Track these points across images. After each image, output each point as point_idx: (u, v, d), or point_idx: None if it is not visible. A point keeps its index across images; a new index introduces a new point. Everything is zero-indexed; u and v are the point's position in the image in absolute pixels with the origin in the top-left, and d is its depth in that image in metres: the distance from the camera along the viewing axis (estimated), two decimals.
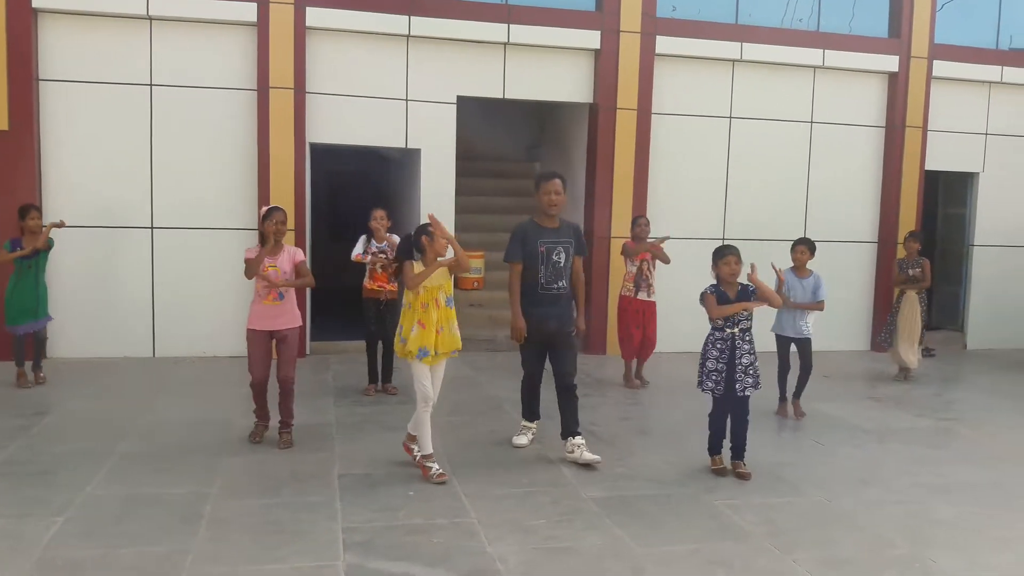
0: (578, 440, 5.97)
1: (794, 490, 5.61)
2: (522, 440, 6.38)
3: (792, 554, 4.54)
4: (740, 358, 5.76)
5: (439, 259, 5.50)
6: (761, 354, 5.97)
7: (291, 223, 9.30)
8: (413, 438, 5.78)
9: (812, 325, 7.55)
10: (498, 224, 12.16)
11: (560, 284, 6.04)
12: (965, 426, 7.56)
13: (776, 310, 7.48)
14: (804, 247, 7.61)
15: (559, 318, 6.04)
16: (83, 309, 9.01)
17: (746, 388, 5.78)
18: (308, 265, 9.16)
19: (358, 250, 7.87)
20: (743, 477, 5.76)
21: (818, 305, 7.52)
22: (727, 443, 5.94)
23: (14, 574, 4.06)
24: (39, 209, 7.83)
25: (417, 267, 5.48)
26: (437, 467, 5.57)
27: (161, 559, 4.24)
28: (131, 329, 9.32)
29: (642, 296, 8.55)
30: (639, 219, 8.79)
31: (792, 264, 7.62)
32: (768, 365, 6.18)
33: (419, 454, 5.65)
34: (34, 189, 8.84)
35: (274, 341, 6.16)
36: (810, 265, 7.64)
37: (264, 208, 6.20)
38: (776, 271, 6.96)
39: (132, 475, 5.47)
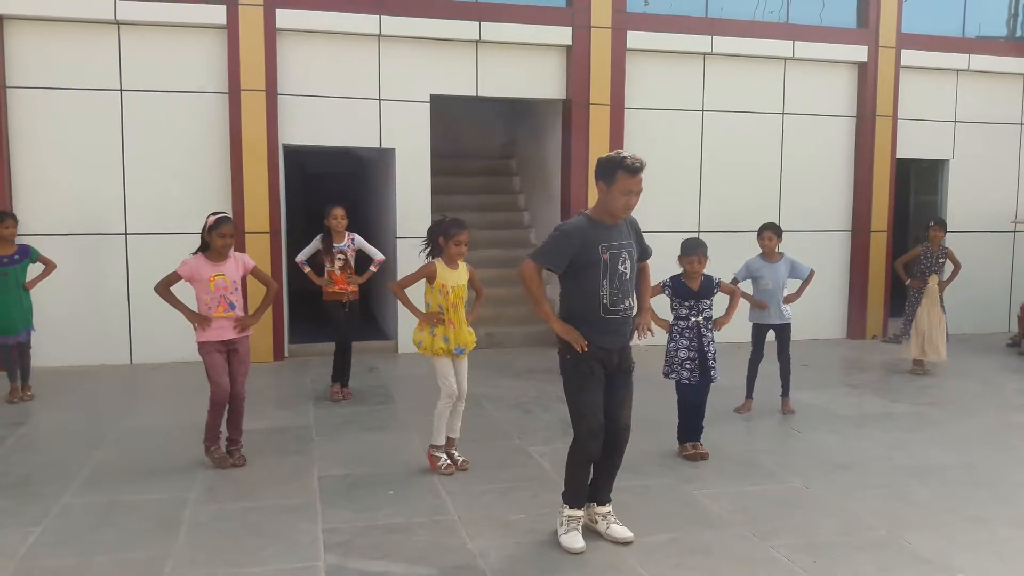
0: (606, 509, 4.66)
1: (771, 477, 5.67)
2: (579, 542, 4.44)
3: (770, 540, 4.58)
4: (707, 346, 5.97)
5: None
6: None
7: (266, 226, 9.37)
8: (439, 447, 5.73)
9: (791, 307, 7.49)
10: (474, 222, 12.13)
11: (627, 304, 4.46)
12: (939, 410, 7.65)
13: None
14: (772, 232, 7.41)
15: (623, 352, 4.55)
16: (59, 317, 8.91)
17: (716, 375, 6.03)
18: (272, 268, 9.24)
19: (307, 254, 7.64)
20: (703, 457, 5.94)
21: (810, 277, 7.49)
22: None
23: None
24: (15, 217, 7.63)
25: (439, 268, 5.61)
26: (446, 459, 5.67)
27: (140, 565, 4.22)
28: (108, 336, 9.26)
29: None
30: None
31: (760, 251, 7.46)
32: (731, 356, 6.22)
33: (431, 443, 5.70)
34: (4, 198, 8.74)
35: (227, 352, 5.80)
36: (779, 251, 7.50)
37: (212, 217, 5.68)
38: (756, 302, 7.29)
39: (109, 483, 5.43)
